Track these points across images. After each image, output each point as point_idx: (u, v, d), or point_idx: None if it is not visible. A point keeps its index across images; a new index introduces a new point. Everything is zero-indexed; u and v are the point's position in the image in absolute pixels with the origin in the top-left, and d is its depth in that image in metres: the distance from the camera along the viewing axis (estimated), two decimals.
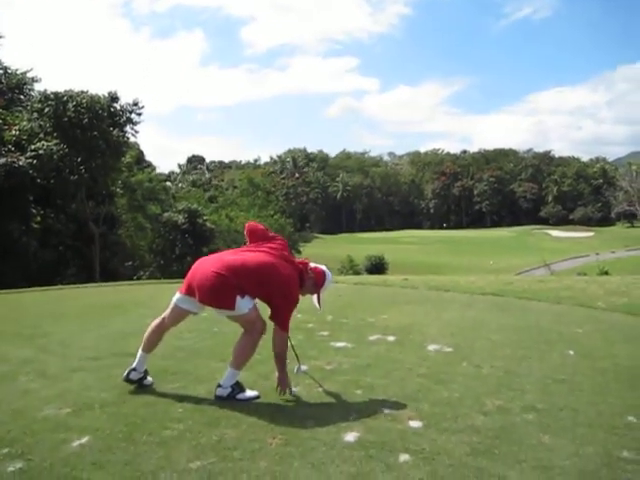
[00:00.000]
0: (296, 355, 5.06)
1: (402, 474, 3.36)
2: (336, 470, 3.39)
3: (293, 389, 4.76)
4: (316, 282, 4.87)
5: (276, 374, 4.76)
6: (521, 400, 4.68)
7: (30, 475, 3.32)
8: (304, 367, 5.05)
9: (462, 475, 3.37)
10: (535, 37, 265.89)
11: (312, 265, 4.92)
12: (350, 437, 3.85)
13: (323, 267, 4.99)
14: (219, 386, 4.66)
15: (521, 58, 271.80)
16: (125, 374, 4.83)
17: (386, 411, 4.34)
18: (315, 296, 4.97)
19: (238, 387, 4.66)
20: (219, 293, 4.55)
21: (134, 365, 4.85)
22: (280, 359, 4.72)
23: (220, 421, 4.12)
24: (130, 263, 38.96)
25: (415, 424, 4.10)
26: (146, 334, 4.90)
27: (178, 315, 4.87)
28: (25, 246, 24.16)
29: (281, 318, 4.67)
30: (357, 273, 48.58)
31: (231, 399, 4.58)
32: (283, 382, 4.72)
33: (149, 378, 4.97)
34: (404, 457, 3.56)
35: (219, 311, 4.67)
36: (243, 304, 4.55)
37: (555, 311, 9.19)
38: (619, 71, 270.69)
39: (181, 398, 4.64)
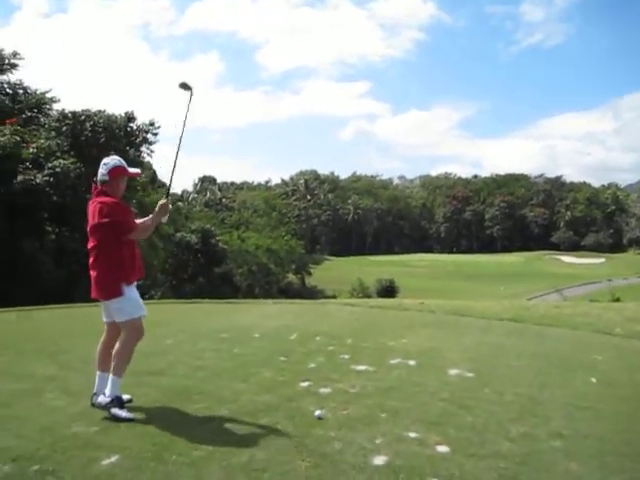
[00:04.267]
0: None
1: None
2: None
3: (318, 412, 4.75)
4: (122, 174, 4.95)
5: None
6: (546, 427, 4.67)
7: None
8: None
9: None
10: (545, 63, 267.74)
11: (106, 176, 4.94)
12: (379, 460, 3.85)
13: (111, 165, 4.93)
14: (103, 394, 4.80)
15: (531, 83, 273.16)
16: (90, 401, 4.95)
17: (412, 435, 4.34)
18: (132, 170, 5.12)
19: (118, 402, 4.73)
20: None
21: (95, 389, 4.96)
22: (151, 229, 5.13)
23: (248, 442, 4.13)
24: (141, 282, 39.12)
25: (442, 449, 4.10)
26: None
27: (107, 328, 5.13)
28: (39, 264, 24.20)
29: (120, 227, 4.79)
30: (368, 296, 48.45)
31: (107, 409, 4.69)
32: (161, 211, 4.98)
33: (124, 396, 5.00)
34: None
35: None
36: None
37: (573, 338, 9.14)
38: (626, 99, 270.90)
39: (207, 419, 4.67)
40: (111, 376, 4.79)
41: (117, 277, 4.79)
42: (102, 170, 4.90)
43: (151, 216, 5.04)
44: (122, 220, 4.79)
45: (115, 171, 4.91)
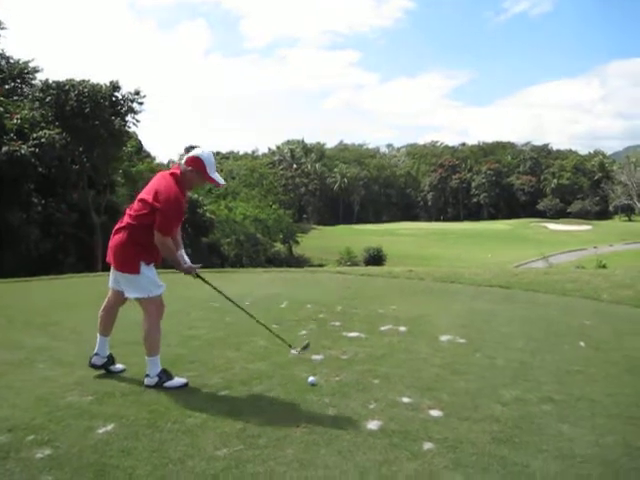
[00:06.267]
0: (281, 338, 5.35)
1: (427, 462, 3.40)
2: (362, 457, 3.43)
3: (311, 378, 4.78)
4: (196, 169, 4.66)
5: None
6: (538, 391, 4.73)
7: (60, 462, 3.34)
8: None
9: (486, 463, 3.41)
10: (532, 31, 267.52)
11: (184, 160, 4.74)
12: (373, 425, 3.90)
13: (193, 153, 4.74)
14: (147, 376, 4.73)
15: (519, 51, 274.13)
16: (89, 361, 4.97)
17: (405, 400, 4.39)
18: (215, 175, 4.76)
19: (165, 375, 4.73)
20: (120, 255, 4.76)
21: (96, 350, 4.96)
22: (170, 259, 4.77)
23: (242, 410, 4.15)
24: None
25: (436, 413, 4.15)
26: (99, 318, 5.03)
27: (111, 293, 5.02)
28: (25, 235, 24.10)
29: (160, 220, 4.54)
30: (355, 264, 48.56)
31: (159, 387, 4.65)
32: (187, 269, 4.93)
33: (118, 365, 5.07)
34: (428, 445, 3.60)
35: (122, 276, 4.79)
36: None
37: (562, 303, 9.21)
38: (613, 66, 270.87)
39: (200, 387, 4.69)
40: (147, 359, 4.74)
41: (137, 254, 4.66)
42: (188, 155, 4.70)
43: (179, 255, 4.88)
44: (166, 217, 4.56)
45: (195, 162, 4.65)
